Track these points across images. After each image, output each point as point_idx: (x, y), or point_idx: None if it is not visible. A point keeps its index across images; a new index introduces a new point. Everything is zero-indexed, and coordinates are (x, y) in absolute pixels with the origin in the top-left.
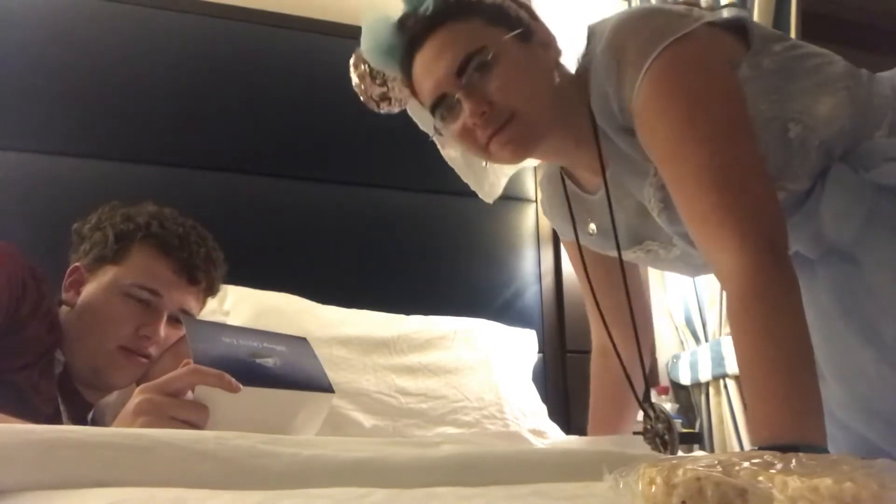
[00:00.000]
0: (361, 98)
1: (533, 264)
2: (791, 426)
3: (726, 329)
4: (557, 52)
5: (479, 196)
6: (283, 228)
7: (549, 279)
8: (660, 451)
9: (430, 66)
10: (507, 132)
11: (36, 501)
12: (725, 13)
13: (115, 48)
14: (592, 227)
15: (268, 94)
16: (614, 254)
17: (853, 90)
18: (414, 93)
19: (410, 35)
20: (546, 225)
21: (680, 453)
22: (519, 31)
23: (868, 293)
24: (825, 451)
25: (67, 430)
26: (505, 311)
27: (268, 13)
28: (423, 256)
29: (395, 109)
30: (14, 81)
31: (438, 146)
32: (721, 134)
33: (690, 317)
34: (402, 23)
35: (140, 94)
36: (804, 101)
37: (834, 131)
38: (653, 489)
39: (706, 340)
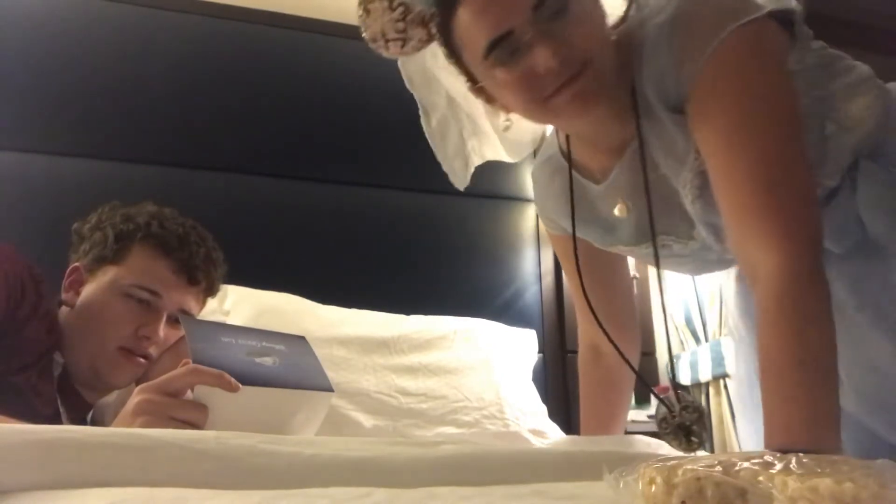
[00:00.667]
0: (366, 35)
1: (533, 264)
2: (809, 433)
3: (726, 329)
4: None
5: (451, 180)
6: (283, 228)
7: (549, 279)
8: (682, 446)
9: None
10: (579, 83)
11: (36, 501)
12: (775, 3)
13: (115, 48)
14: (619, 207)
15: (268, 94)
16: (613, 248)
17: (880, 92)
18: (433, 36)
19: None
20: None
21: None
22: None
23: (885, 287)
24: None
25: (67, 430)
26: (505, 311)
27: (268, 13)
28: (423, 256)
29: (405, 53)
30: (14, 81)
31: (422, 114)
32: (777, 129)
33: (690, 317)
34: None
35: (140, 94)
36: (839, 100)
37: (864, 131)
38: (653, 489)
39: (706, 340)
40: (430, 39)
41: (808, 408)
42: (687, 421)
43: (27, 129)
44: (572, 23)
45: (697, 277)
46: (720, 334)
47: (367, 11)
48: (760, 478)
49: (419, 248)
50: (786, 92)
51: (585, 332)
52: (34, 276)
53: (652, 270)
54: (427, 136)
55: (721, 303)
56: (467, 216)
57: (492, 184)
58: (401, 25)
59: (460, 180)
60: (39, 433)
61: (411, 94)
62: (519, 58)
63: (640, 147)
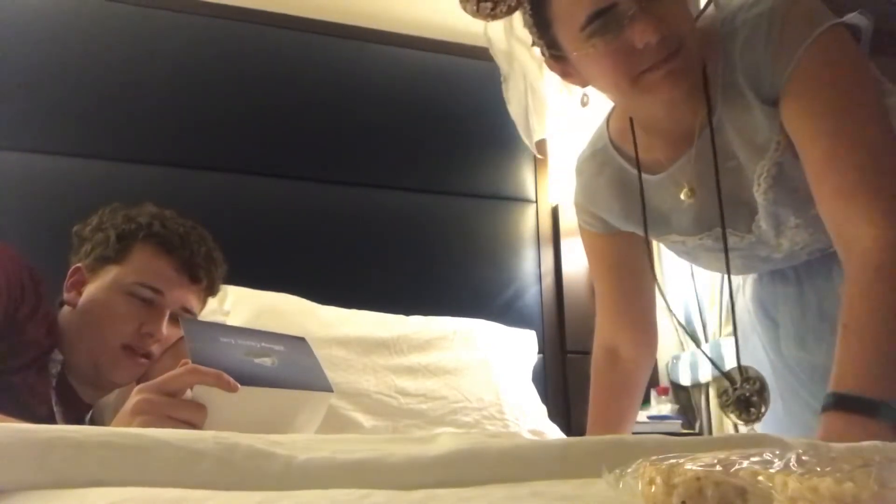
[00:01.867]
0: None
1: (533, 264)
2: (881, 383)
3: (726, 329)
4: None
5: (526, 143)
6: (283, 228)
7: (549, 279)
8: (741, 416)
9: None
10: (673, 62)
11: (34, 501)
12: (853, 16)
13: (115, 48)
14: (686, 191)
15: (268, 94)
16: (663, 239)
17: None
18: (522, 2)
19: None
20: (546, 225)
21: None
22: None
23: None
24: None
25: (66, 430)
26: (505, 311)
27: (268, 13)
28: (423, 256)
29: (492, 17)
30: (14, 81)
31: (502, 80)
32: (875, 119)
33: (690, 317)
34: None
35: (140, 94)
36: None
37: None
38: (652, 489)
39: (706, 341)
40: (518, 5)
41: (882, 364)
42: (748, 392)
43: (27, 129)
44: (672, 3)
45: (698, 279)
46: (720, 335)
47: None
48: (760, 477)
49: (419, 248)
50: (875, 87)
51: (604, 333)
52: (34, 277)
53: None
54: (506, 101)
55: (721, 304)
56: (467, 216)
57: (492, 184)
58: None
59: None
60: (37, 432)
61: (412, 95)
62: (619, 31)
63: (712, 136)
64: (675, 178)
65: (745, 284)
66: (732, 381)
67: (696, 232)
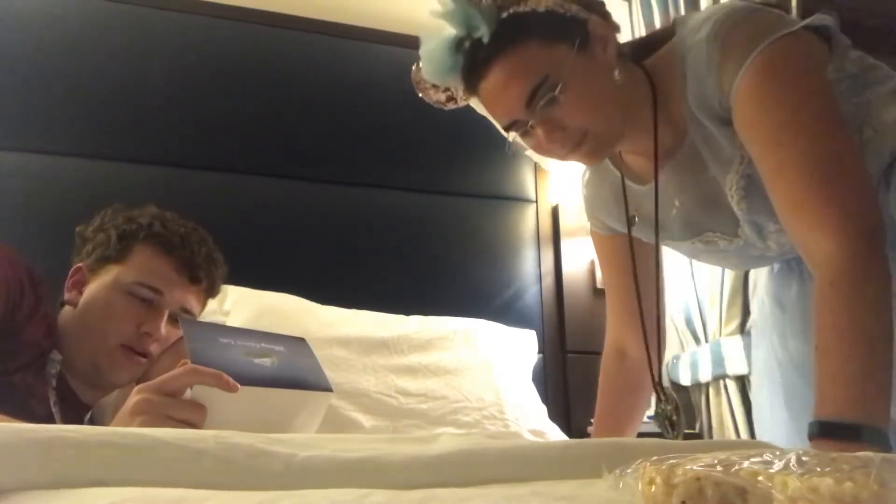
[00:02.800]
0: (426, 100)
1: (533, 264)
2: (858, 406)
3: (726, 329)
4: (615, 40)
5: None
6: (283, 228)
7: (549, 279)
8: (667, 433)
9: (497, 95)
10: (582, 149)
11: (34, 501)
12: (814, 19)
13: (115, 48)
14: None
15: (268, 95)
16: (665, 244)
17: None
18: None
19: (470, 62)
20: (546, 225)
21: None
22: (577, 40)
23: None
24: (886, 436)
25: (66, 430)
26: (505, 311)
27: (268, 13)
28: (423, 256)
29: (462, 104)
30: (14, 81)
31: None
32: (824, 125)
33: (690, 317)
34: (459, 43)
35: (140, 94)
36: (876, 108)
37: None
38: (652, 489)
39: (706, 341)
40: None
41: (858, 384)
42: (668, 413)
43: (27, 129)
44: (565, 106)
45: (699, 279)
46: (720, 335)
47: (419, 91)
48: (760, 478)
49: (419, 248)
50: (828, 94)
51: (613, 333)
52: (33, 278)
53: (652, 271)
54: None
55: (721, 304)
56: (467, 216)
57: (492, 184)
58: (449, 93)
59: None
60: (38, 432)
61: (412, 95)
62: (529, 136)
63: (655, 157)
64: (662, 187)
65: (759, 277)
66: (659, 400)
67: (686, 237)
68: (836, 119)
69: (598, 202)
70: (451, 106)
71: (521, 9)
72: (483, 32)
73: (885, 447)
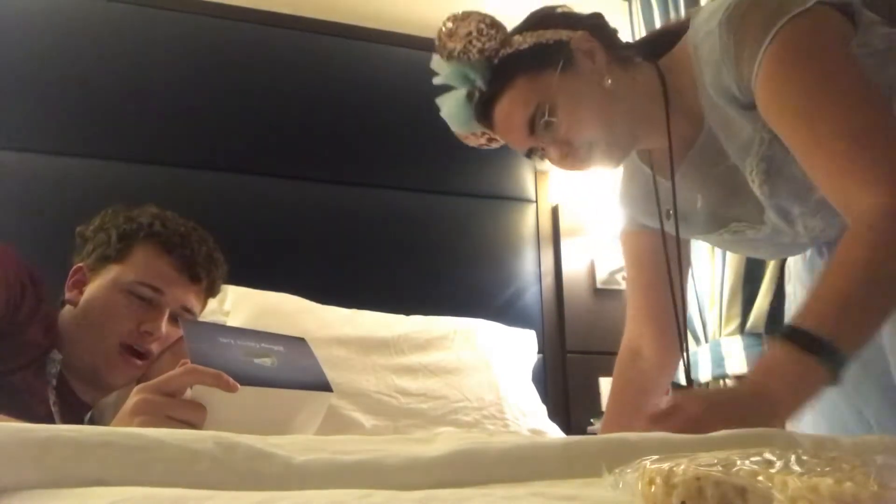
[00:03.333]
0: (470, 145)
1: (533, 264)
2: (831, 325)
3: (726, 329)
4: (601, 49)
5: None
6: (283, 228)
7: (549, 279)
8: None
9: (505, 132)
10: (595, 160)
11: (34, 501)
12: None
13: (115, 48)
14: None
15: (268, 95)
16: (692, 237)
17: None
18: None
19: (478, 111)
20: (546, 225)
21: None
22: (561, 63)
23: None
24: (842, 364)
25: (66, 430)
26: (505, 311)
27: (268, 13)
28: (423, 256)
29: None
30: (14, 81)
31: None
32: (856, 95)
33: (690, 317)
34: (470, 96)
35: (140, 94)
36: None
37: None
38: (652, 489)
39: (706, 341)
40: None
41: (842, 310)
42: None
43: (27, 129)
44: (563, 125)
45: (699, 279)
46: (720, 335)
47: (462, 139)
48: (760, 477)
49: (419, 248)
50: (851, 64)
51: (630, 332)
52: (34, 278)
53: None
54: None
55: (721, 304)
56: (467, 216)
57: (492, 184)
58: (488, 135)
59: None
60: (37, 431)
61: (411, 95)
62: (547, 156)
63: (670, 150)
64: (683, 181)
65: (793, 265)
66: None
67: (713, 230)
68: (868, 87)
69: (628, 198)
70: (494, 145)
71: (508, 51)
72: (480, 83)
73: (835, 372)
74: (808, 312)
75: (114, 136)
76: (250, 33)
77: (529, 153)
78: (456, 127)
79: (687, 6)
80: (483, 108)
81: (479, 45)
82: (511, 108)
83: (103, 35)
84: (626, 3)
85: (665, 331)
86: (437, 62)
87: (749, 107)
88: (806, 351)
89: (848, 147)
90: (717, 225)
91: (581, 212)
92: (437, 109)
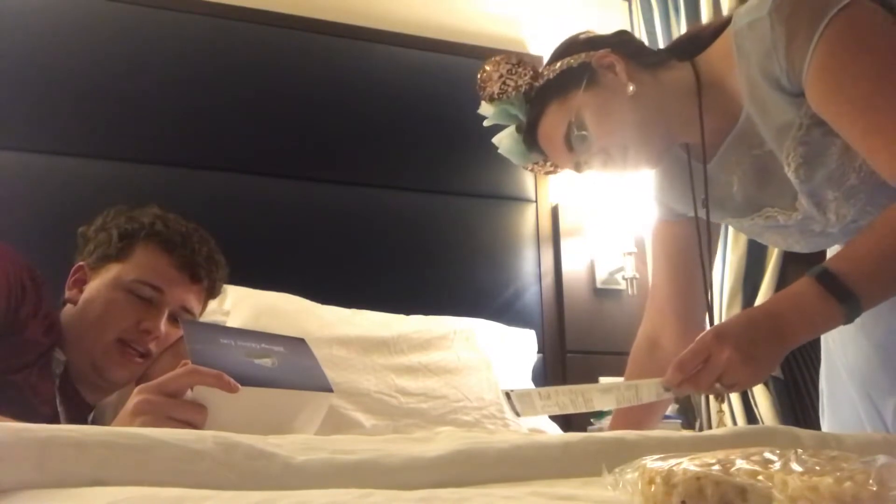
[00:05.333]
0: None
1: (533, 264)
2: (864, 280)
3: None
4: (623, 60)
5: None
6: (283, 228)
7: (549, 279)
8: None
9: (552, 156)
10: (631, 164)
11: (34, 500)
12: None
13: (115, 48)
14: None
15: (268, 94)
16: (725, 222)
17: None
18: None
19: (527, 142)
20: (546, 225)
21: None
22: (584, 81)
23: None
24: (857, 314)
25: (65, 429)
26: (505, 311)
27: (268, 13)
28: (423, 256)
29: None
30: (14, 81)
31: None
32: None
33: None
34: (518, 130)
35: (140, 94)
36: None
37: None
38: (652, 488)
39: None
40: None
41: (879, 265)
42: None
43: (27, 129)
44: (595, 136)
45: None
46: None
47: (534, 171)
48: (760, 477)
49: (419, 248)
50: None
51: (649, 323)
52: (35, 277)
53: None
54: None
55: (721, 304)
56: (467, 216)
57: (492, 184)
58: (551, 165)
59: None
60: (37, 432)
61: (412, 95)
62: (593, 167)
63: (702, 140)
64: (721, 166)
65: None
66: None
67: (746, 214)
68: None
69: (664, 186)
70: (559, 171)
71: (540, 82)
72: (521, 117)
73: (850, 317)
74: (844, 259)
75: (114, 136)
76: (250, 33)
77: (577, 167)
78: (517, 161)
79: (687, 6)
80: (529, 139)
81: (512, 83)
82: (549, 131)
83: (103, 35)
84: (626, 3)
85: (688, 323)
86: (483, 107)
87: (794, 94)
88: (831, 293)
89: None
90: (751, 210)
91: (581, 212)
92: (438, 110)
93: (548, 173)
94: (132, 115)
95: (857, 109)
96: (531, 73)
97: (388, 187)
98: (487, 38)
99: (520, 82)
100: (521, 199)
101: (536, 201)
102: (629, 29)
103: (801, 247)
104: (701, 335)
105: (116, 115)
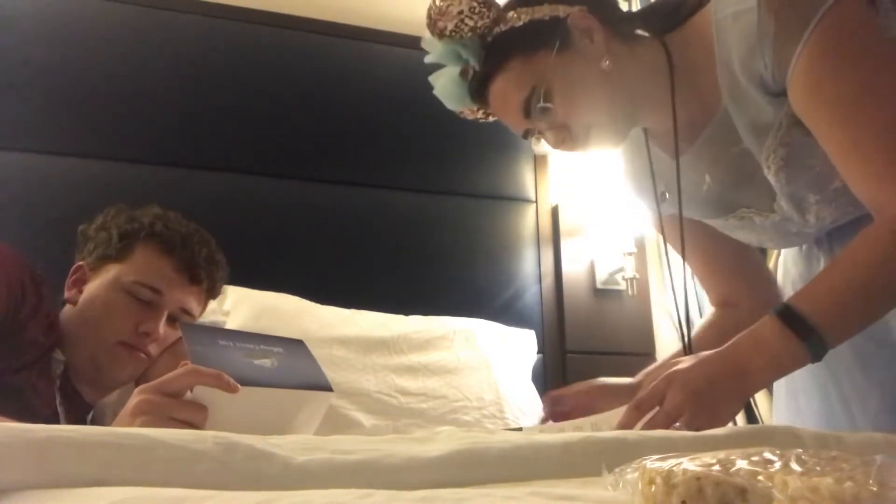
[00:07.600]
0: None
1: (533, 264)
2: (828, 318)
3: None
4: (600, 27)
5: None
6: (283, 228)
7: (549, 279)
8: None
9: (500, 113)
10: (592, 143)
11: (34, 501)
12: None
13: (115, 48)
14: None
15: (268, 94)
16: (697, 218)
17: None
18: None
19: (472, 89)
20: (546, 225)
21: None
22: (557, 42)
23: None
24: (822, 354)
25: (65, 430)
26: (505, 311)
27: (268, 13)
28: (423, 256)
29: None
30: (14, 81)
31: None
32: (894, 94)
33: (690, 317)
34: (464, 73)
35: (140, 94)
36: None
37: None
38: (652, 489)
39: None
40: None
41: (845, 305)
42: None
43: (27, 129)
44: (559, 109)
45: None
46: None
47: (464, 113)
48: (760, 477)
49: (419, 248)
50: (890, 61)
51: (718, 289)
52: (35, 277)
53: (652, 271)
54: None
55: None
56: (467, 216)
57: (492, 184)
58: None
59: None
60: (37, 432)
61: (411, 95)
62: (544, 138)
63: (675, 131)
64: (692, 163)
65: (787, 258)
66: None
67: (719, 214)
68: None
69: (633, 172)
70: (491, 119)
71: (502, 28)
72: (473, 62)
73: (815, 357)
74: (808, 296)
75: (114, 136)
76: (250, 34)
77: (526, 134)
78: (450, 105)
79: None
80: (478, 88)
81: (471, 23)
82: (506, 90)
83: (104, 35)
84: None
85: (759, 282)
86: (427, 41)
87: (777, 93)
88: (794, 332)
89: (886, 147)
90: (725, 210)
91: (581, 212)
92: (437, 110)
93: (477, 119)
94: (132, 115)
95: (838, 118)
96: (494, 15)
97: (388, 187)
98: None
99: (479, 24)
100: (521, 200)
101: (536, 201)
102: None
103: (773, 244)
104: (659, 378)
105: (116, 116)
